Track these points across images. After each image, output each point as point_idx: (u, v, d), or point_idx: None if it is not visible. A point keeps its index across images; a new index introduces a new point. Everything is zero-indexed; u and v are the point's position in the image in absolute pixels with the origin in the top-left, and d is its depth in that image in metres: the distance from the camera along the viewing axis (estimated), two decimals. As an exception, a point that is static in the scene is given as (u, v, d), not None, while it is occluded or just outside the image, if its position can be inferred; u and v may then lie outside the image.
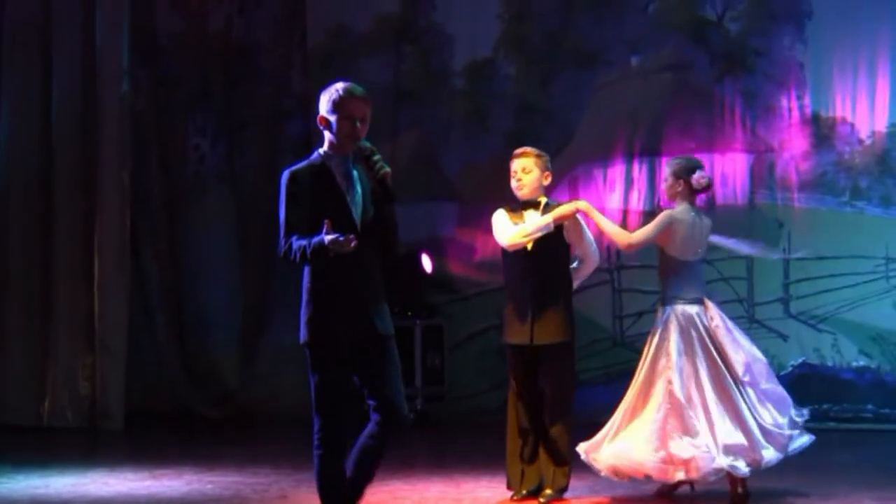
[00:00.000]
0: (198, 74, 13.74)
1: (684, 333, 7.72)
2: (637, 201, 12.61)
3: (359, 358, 5.97)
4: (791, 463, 8.00)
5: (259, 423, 12.73)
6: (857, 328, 12.08)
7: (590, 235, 8.04)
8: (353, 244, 5.67)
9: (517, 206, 7.98)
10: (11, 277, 12.62)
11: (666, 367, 7.71)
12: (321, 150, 6.11)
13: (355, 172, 6.05)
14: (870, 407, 12.01)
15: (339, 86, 6.05)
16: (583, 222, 8.00)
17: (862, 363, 12.06)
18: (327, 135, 6.09)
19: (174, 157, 13.68)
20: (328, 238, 5.68)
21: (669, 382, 7.64)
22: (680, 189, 7.86)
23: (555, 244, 7.88)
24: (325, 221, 5.74)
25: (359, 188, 6.02)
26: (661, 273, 7.95)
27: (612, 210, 12.55)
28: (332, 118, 6.02)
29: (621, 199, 12.65)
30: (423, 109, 13.38)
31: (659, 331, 7.81)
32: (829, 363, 12.13)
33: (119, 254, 12.56)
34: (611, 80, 12.87)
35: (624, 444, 7.72)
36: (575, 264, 8.03)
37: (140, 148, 13.14)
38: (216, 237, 13.67)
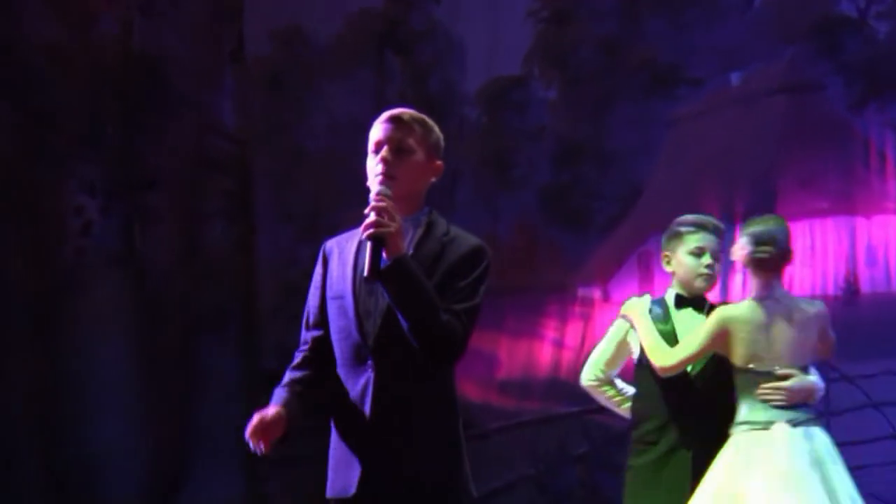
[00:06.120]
0: (82, 105, 11.46)
1: None
2: (742, 286, 9.96)
3: None
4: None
5: None
6: None
7: None
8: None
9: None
10: None
11: None
12: None
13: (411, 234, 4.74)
14: None
15: None
16: None
17: None
18: None
19: (46, 227, 11.44)
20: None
21: None
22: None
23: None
24: None
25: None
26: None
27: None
28: None
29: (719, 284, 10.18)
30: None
31: None
32: None
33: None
34: (697, 110, 11.45)
35: None
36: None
37: (-6, 213, 11.20)
38: (111, 346, 11.30)
